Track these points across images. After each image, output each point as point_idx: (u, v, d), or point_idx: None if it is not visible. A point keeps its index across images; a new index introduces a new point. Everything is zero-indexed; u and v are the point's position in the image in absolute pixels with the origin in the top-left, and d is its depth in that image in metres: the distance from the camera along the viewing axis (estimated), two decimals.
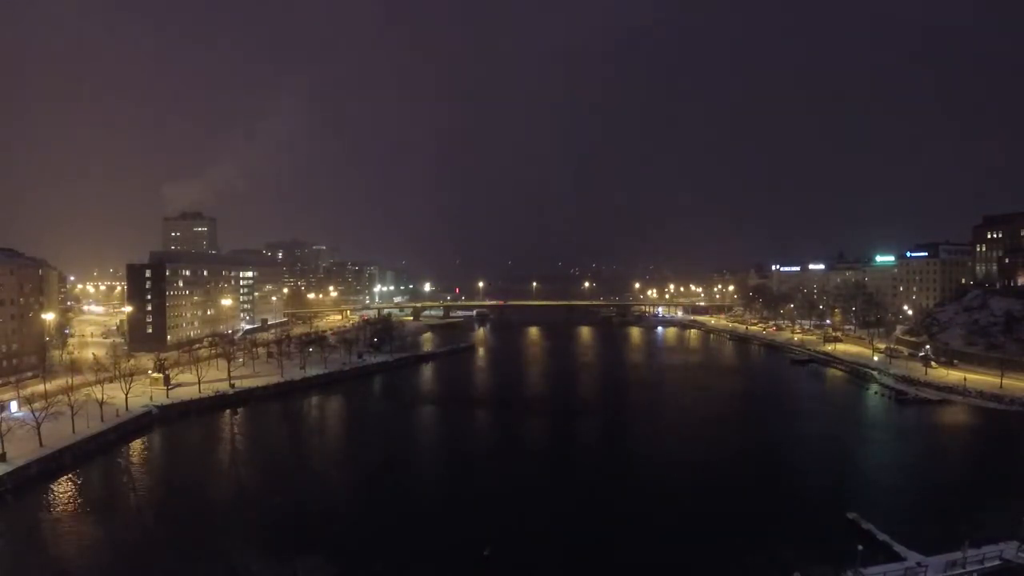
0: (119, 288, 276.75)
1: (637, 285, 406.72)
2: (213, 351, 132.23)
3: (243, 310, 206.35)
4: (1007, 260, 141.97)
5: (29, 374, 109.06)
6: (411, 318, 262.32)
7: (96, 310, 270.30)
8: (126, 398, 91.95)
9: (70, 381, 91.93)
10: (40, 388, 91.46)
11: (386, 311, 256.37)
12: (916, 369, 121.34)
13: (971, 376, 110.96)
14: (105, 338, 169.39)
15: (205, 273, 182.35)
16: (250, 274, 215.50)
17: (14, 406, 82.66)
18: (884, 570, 43.44)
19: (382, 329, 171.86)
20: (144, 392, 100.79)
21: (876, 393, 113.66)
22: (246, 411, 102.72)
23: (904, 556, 46.02)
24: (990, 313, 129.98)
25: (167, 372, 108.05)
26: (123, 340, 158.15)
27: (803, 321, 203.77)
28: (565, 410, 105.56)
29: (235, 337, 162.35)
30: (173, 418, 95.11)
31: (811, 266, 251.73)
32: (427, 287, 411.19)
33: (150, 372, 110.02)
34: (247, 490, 66.99)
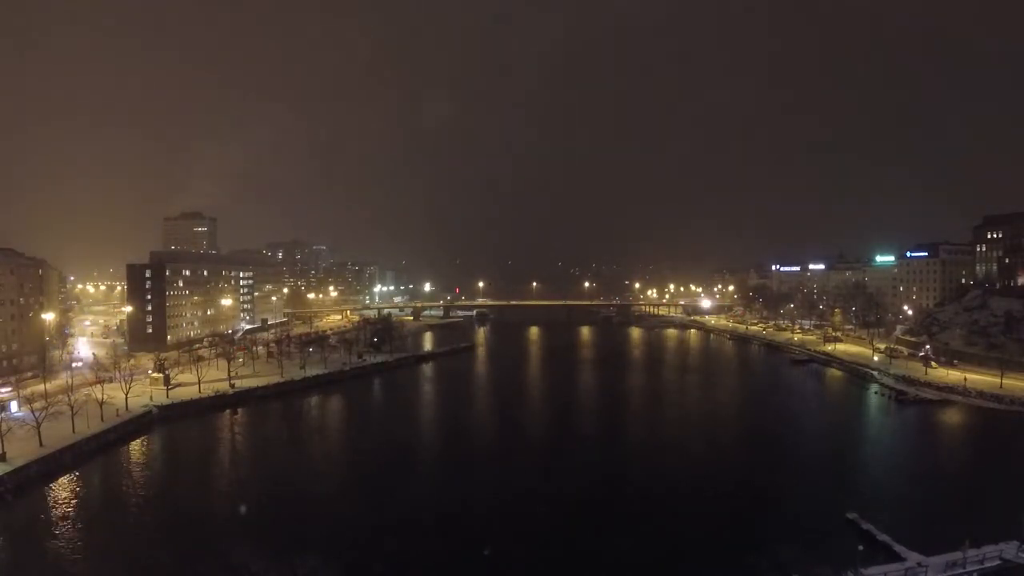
0: (119, 288, 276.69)
1: (637, 285, 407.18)
2: (213, 351, 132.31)
3: (243, 310, 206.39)
4: (1007, 260, 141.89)
5: (29, 374, 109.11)
6: (411, 318, 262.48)
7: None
8: (126, 398, 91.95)
9: (70, 381, 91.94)
10: (40, 388, 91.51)
11: (386, 311, 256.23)
12: (916, 369, 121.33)
13: (971, 376, 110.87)
14: (105, 338, 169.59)
15: (205, 273, 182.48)
16: (250, 274, 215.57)
17: (14, 406, 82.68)
18: (884, 570, 43.46)
19: (382, 329, 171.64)
20: (144, 392, 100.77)
21: (876, 393, 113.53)
22: (246, 411, 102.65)
23: (904, 556, 46.00)
24: (990, 313, 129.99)
25: (167, 372, 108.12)
26: (123, 340, 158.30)
27: (803, 321, 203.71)
28: (565, 410, 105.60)
29: (235, 337, 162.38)
30: (173, 418, 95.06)
31: (811, 266, 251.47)
32: (427, 287, 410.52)
33: (150, 372, 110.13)
34: (247, 490, 66.94)
